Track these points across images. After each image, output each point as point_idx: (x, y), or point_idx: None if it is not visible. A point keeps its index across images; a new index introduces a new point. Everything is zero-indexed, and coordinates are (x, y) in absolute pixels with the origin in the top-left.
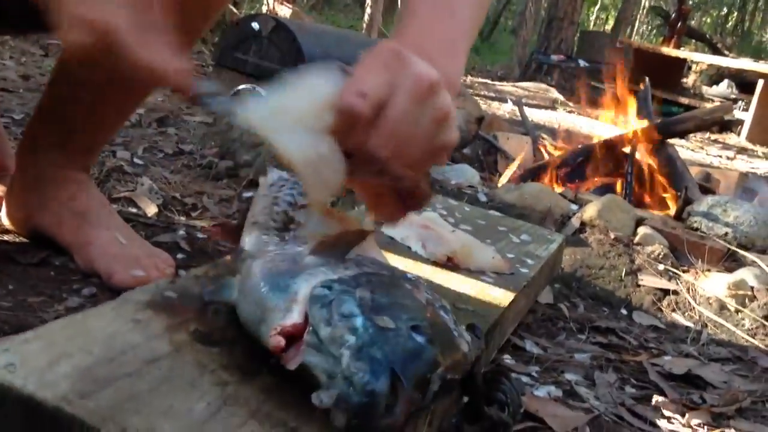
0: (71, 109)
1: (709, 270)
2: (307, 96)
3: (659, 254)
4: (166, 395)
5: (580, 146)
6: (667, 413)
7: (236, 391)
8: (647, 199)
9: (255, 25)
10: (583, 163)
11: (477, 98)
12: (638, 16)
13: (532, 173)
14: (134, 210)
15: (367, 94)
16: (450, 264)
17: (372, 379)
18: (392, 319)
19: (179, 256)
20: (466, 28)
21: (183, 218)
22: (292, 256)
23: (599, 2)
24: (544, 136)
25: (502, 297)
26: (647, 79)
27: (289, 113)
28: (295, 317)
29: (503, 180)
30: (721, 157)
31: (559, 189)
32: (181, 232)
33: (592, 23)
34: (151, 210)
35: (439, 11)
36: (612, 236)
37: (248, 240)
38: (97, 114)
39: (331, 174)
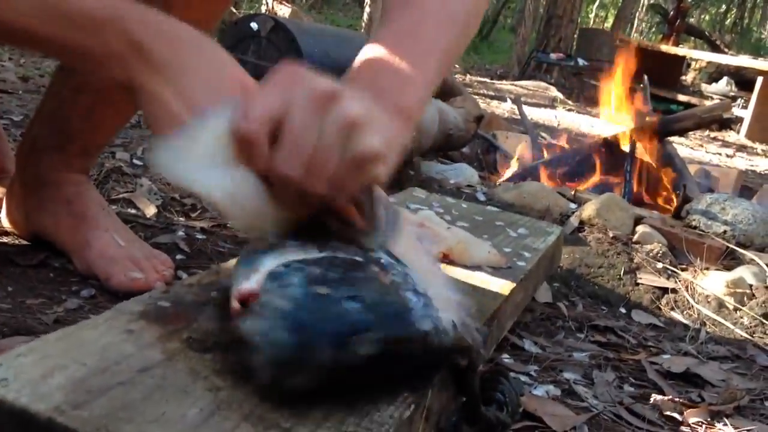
0: (71, 111)
1: (707, 268)
2: (210, 133)
3: (658, 253)
4: (159, 403)
5: (578, 145)
6: (665, 412)
7: (229, 396)
8: (646, 197)
9: (254, 25)
10: (581, 161)
11: (476, 97)
12: (637, 14)
13: (531, 171)
14: (133, 211)
15: (256, 115)
16: (446, 261)
17: (282, 333)
18: (332, 289)
19: (178, 257)
20: (432, 51)
21: (182, 219)
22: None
23: (598, 0)
24: (544, 134)
25: (499, 290)
26: (645, 77)
27: (195, 153)
28: (252, 285)
29: (507, 174)
30: (720, 154)
31: (552, 183)
32: (180, 233)
33: (591, 21)
34: (150, 211)
35: (402, 38)
36: (611, 235)
37: None
38: (97, 117)
39: (251, 203)
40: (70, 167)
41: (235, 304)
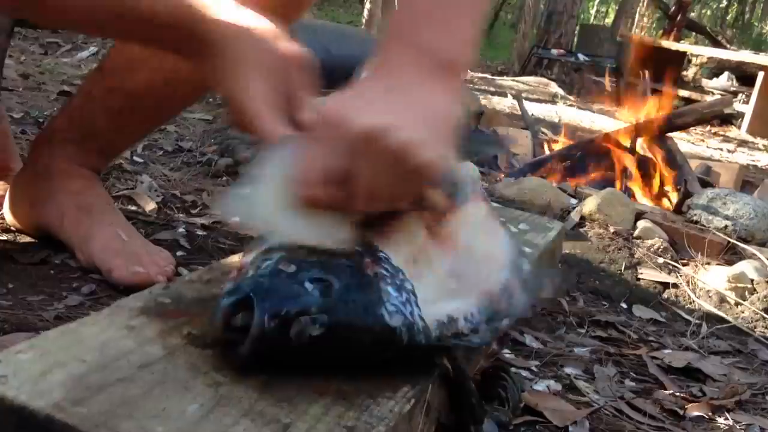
0: (98, 109)
1: (708, 263)
2: (273, 184)
3: (659, 248)
4: (159, 398)
5: (579, 140)
6: (666, 406)
7: (229, 392)
8: (647, 192)
9: None
10: (582, 157)
11: (477, 93)
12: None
13: (532, 167)
14: (134, 208)
15: (312, 179)
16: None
17: (228, 300)
18: (301, 270)
19: (179, 253)
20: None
21: (183, 216)
22: None
23: None
24: (545, 130)
25: None
26: (646, 72)
27: (263, 201)
28: (249, 258)
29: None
30: (721, 150)
31: (553, 179)
32: (181, 229)
33: (592, 17)
34: (151, 207)
35: None
36: (611, 230)
37: None
38: (123, 120)
39: (337, 231)
40: (84, 163)
41: (233, 273)
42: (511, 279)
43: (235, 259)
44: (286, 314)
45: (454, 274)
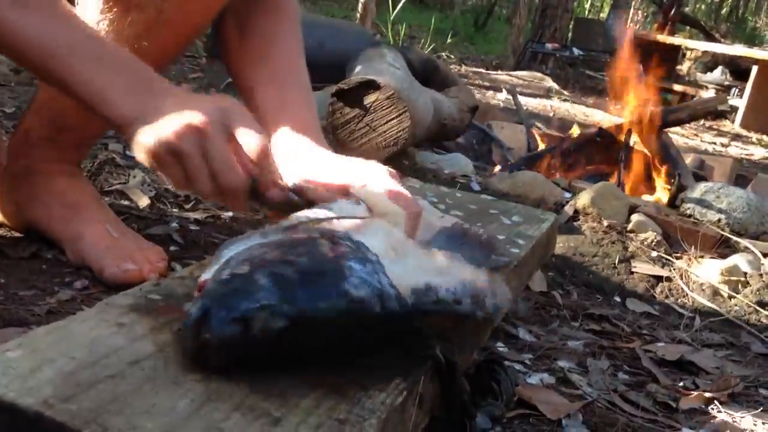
0: (64, 102)
1: (702, 256)
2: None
3: (652, 241)
4: (149, 395)
5: (574, 135)
6: (660, 399)
7: (220, 387)
8: (641, 186)
9: None
10: (577, 151)
11: (471, 87)
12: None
13: (526, 162)
14: (126, 202)
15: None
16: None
17: (191, 320)
18: (255, 269)
19: (172, 248)
20: (305, 100)
21: (176, 210)
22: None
23: None
24: (539, 124)
25: None
26: (640, 66)
27: None
28: (207, 275)
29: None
30: (715, 144)
31: (547, 174)
32: (174, 224)
33: (586, 11)
34: (144, 202)
35: (285, 110)
36: (605, 224)
37: None
38: None
39: None
40: (63, 158)
41: (195, 294)
42: (492, 273)
43: (194, 273)
44: (243, 315)
45: (437, 263)
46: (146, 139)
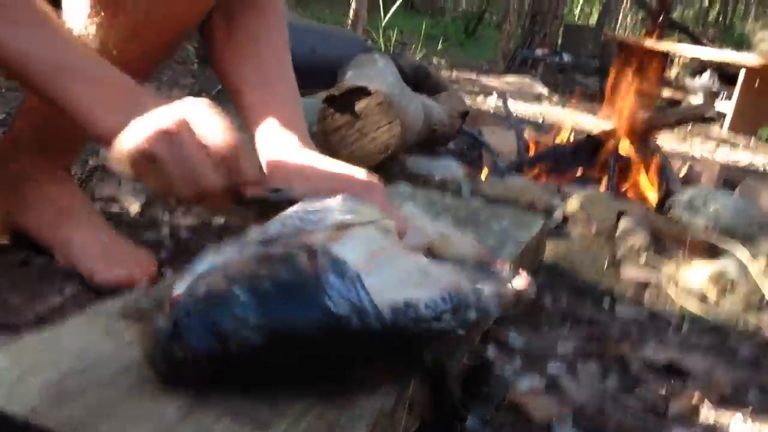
0: (53, 108)
1: (690, 261)
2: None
3: (641, 246)
4: (138, 401)
5: (564, 140)
6: (649, 402)
7: (209, 392)
8: (629, 192)
9: None
10: (566, 157)
11: (462, 93)
12: (622, 9)
13: (516, 167)
14: (117, 209)
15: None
16: (429, 255)
17: (162, 335)
18: (231, 284)
19: (163, 254)
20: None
21: (167, 217)
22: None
23: None
24: (529, 129)
25: None
26: (629, 72)
27: None
28: (179, 290)
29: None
30: (703, 148)
31: (537, 179)
32: (165, 230)
33: (576, 17)
34: (134, 208)
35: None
36: (594, 229)
37: None
38: None
39: None
40: (52, 164)
41: (166, 308)
42: (480, 277)
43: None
44: (219, 328)
45: (419, 270)
46: (121, 148)
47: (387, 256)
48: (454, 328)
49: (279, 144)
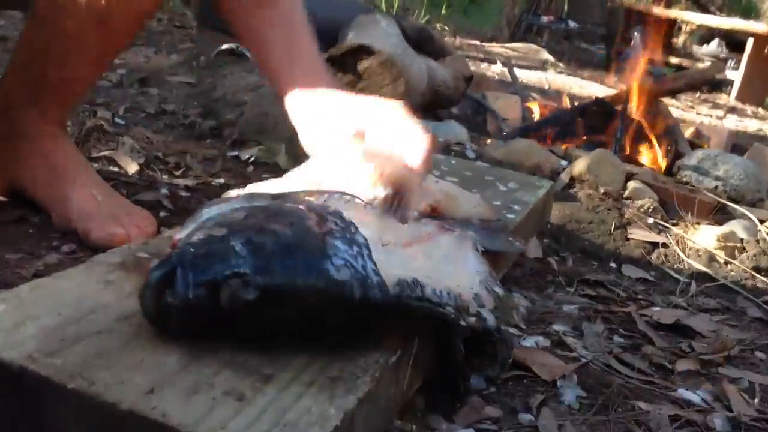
0: (45, 61)
1: (698, 223)
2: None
3: (649, 208)
4: (137, 350)
5: (570, 105)
6: (655, 361)
7: (210, 343)
8: (637, 154)
9: None
10: (573, 121)
11: (466, 59)
12: None
13: (521, 132)
14: (115, 169)
15: None
16: (434, 214)
17: (154, 276)
18: (232, 233)
19: (162, 214)
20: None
21: (166, 177)
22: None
23: None
24: (534, 95)
25: None
26: (636, 35)
27: None
28: (181, 234)
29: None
30: (711, 116)
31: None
32: (164, 190)
33: None
34: (132, 169)
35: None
36: (601, 191)
37: None
38: (72, 64)
39: None
40: (47, 120)
41: (167, 251)
42: (482, 291)
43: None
44: (212, 280)
45: (426, 267)
46: None
47: (396, 249)
48: (457, 318)
49: (308, 86)
